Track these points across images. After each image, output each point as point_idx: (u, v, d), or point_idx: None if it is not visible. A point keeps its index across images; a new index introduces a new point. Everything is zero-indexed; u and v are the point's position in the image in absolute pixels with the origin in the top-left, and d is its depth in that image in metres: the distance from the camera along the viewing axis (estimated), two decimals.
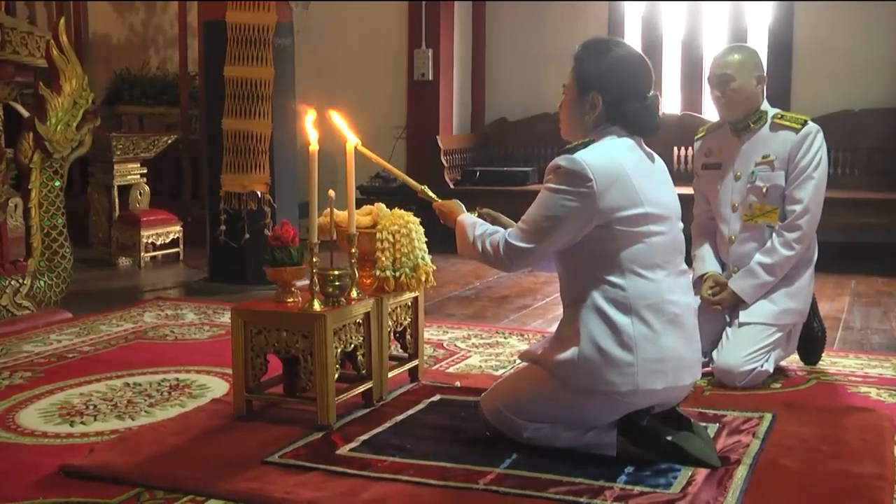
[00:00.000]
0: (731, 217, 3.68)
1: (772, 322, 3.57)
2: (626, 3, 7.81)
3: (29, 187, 4.71)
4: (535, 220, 2.67)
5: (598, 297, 2.63)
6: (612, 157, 2.64)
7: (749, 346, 3.52)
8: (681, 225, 2.80)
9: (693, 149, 3.97)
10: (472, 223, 2.87)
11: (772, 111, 3.67)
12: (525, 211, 2.73)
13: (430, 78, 7.83)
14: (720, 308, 3.64)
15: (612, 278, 2.63)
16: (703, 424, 2.91)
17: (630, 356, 2.59)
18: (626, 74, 2.71)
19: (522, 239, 2.69)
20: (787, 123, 3.62)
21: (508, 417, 2.78)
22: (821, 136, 3.61)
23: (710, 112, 7.50)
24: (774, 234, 3.59)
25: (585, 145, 2.68)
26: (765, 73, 3.68)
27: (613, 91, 2.70)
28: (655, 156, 2.84)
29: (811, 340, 3.80)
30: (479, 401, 2.95)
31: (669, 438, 2.67)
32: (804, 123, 3.60)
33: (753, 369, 3.50)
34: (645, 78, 2.74)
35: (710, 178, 3.78)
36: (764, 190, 3.60)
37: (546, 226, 2.64)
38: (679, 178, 6.98)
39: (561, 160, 2.64)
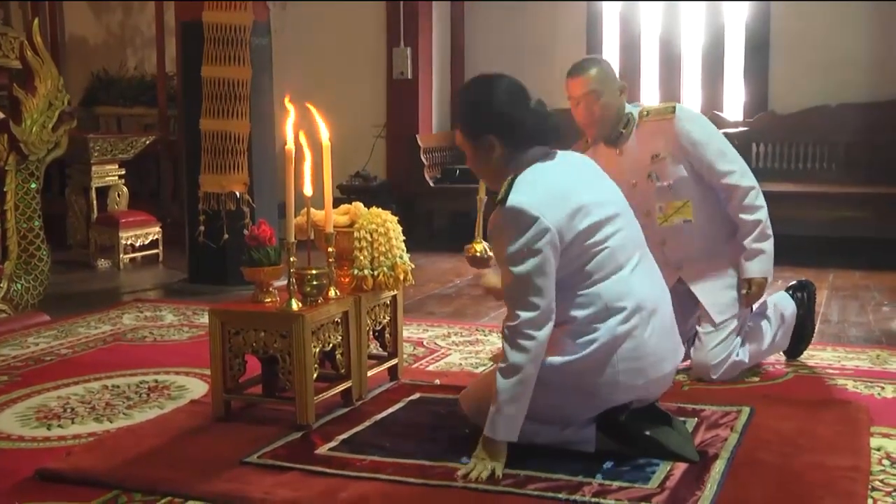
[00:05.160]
0: (649, 225, 3.48)
1: (731, 308, 3.56)
2: (604, 1, 7.82)
3: (4, 190, 4.67)
4: (520, 288, 2.56)
5: (573, 311, 2.62)
6: (540, 184, 2.61)
7: (715, 338, 3.52)
8: (631, 214, 2.80)
9: None
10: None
11: (635, 110, 3.58)
12: None
13: (410, 76, 7.82)
14: (757, 301, 3.59)
15: (584, 291, 2.62)
16: (682, 419, 2.92)
17: (611, 356, 2.60)
18: (499, 103, 2.68)
19: (524, 309, 2.54)
20: (659, 118, 3.53)
21: (487, 414, 2.77)
22: (690, 108, 3.62)
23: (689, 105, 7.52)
24: (739, 213, 3.52)
25: (510, 187, 2.60)
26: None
27: (499, 123, 2.67)
28: (579, 155, 2.85)
29: (802, 338, 3.81)
30: (459, 398, 2.95)
31: (647, 433, 2.68)
32: (673, 109, 3.54)
33: (727, 357, 3.50)
34: (517, 94, 2.71)
35: None
36: (668, 187, 3.53)
37: (534, 283, 2.54)
38: None
39: (498, 217, 2.59)
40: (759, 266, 3.53)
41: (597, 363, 2.60)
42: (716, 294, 3.57)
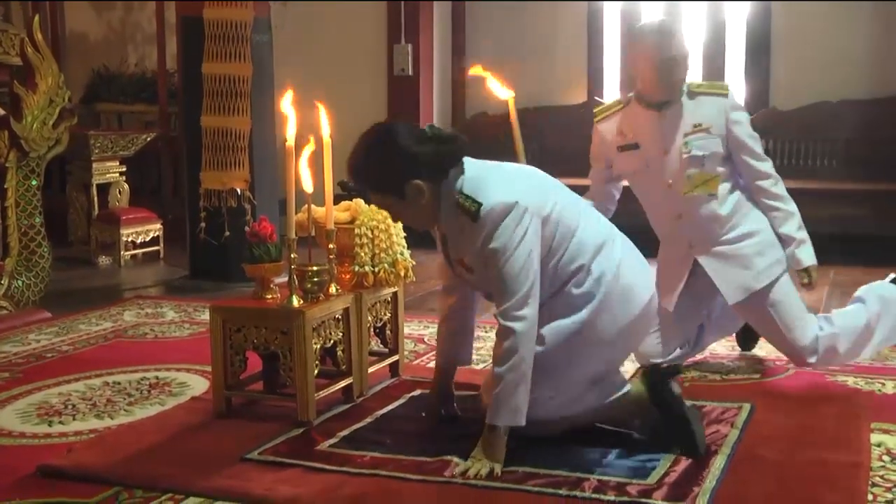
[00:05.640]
0: (667, 195, 3.53)
1: (745, 289, 3.48)
2: (605, 1, 7.80)
3: (5, 186, 4.67)
4: (509, 272, 2.59)
5: (572, 266, 2.72)
6: (491, 181, 2.68)
7: (781, 332, 3.47)
8: (551, 180, 2.89)
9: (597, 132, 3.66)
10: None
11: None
12: None
13: (410, 73, 7.82)
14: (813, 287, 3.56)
15: (570, 247, 2.72)
16: None
17: (629, 280, 2.75)
18: (408, 147, 2.66)
19: (512, 292, 2.58)
20: (711, 90, 3.55)
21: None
22: None
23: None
24: (771, 201, 3.50)
25: (471, 199, 2.63)
26: None
27: (417, 165, 2.65)
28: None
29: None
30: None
31: (685, 411, 2.74)
32: (727, 87, 3.57)
33: (814, 338, 3.45)
34: (413, 131, 2.70)
35: (629, 160, 3.58)
36: (703, 158, 3.47)
37: (522, 265, 2.58)
38: None
39: (482, 225, 2.60)
40: (810, 253, 3.50)
41: (611, 297, 2.70)
42: (730, 273, 3.50)
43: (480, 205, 2.61)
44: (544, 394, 2.69)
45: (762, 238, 3.51)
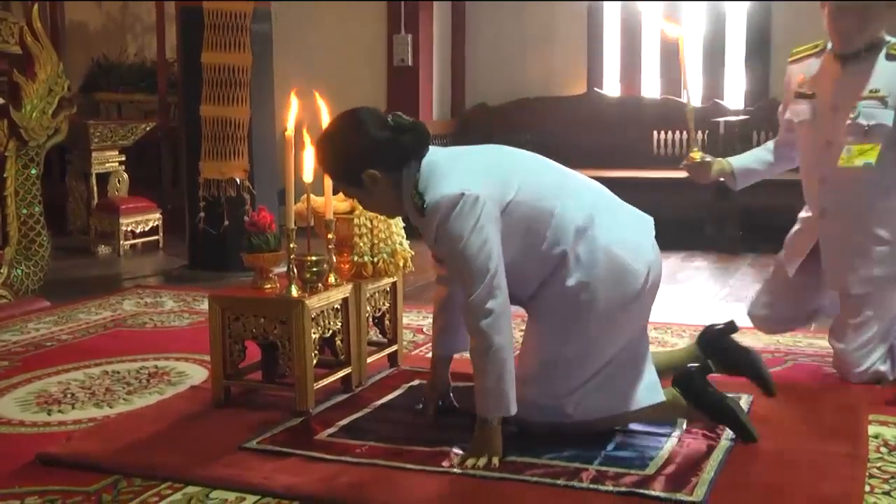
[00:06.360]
0: (822, 156, 3.26)
1: (851, 286, 3.28)
2: None
3: (4, 175, 4.67)
4: (468, 262, 2.54)
5: (556, 249, 2.65)
6: (443, 174, 2.61)
7: (855, 340, 3.29)
8: (514, 155, 2.81)
9: (788, 73, 3.52)
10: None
11: (886, 38, 3.23)
12: None
13: (410, 63, 7.81)
14: None
15: (552, 228, 2.65)
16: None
17: (619, 260, 2.66)
18: (370, 136, 2.63)
19: (477, 281, 2.54)
20: None
21: (543, 404, 2.71)
22: None
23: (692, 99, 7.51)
24: None
25: (420, 196, 2.59)
26: None
27: (375, 155, 2.63)
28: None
29: None
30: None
31: (726, 400, 2.76)
32: None
33: (870, 366, 3.28)
34: (377, 119, 2.67)
35: (800, 108, 3.35)
36: (865, 128, 3.16)
37: (480, 254, 2.54)
38: (663, 162, 7.06)
39: (429, 220, 2.57)
40: None
41: (604, 279, 2.63)
42: (840, 262, 3.29)
43: (424, 200, 2.58)
44: (570, 398, 2.69)
45: (889, 252, 3.26)
